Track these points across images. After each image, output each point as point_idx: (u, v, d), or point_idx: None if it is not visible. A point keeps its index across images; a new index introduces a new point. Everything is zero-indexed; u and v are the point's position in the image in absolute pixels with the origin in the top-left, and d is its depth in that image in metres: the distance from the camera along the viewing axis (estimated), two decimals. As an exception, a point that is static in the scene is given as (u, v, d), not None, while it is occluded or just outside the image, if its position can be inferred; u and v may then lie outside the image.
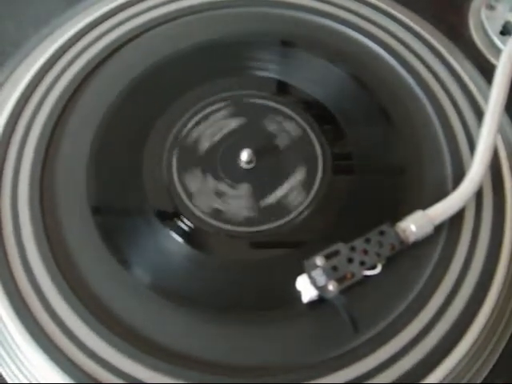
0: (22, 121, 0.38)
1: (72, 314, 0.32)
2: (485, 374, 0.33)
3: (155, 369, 0.30)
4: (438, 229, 0.34)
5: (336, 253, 0.32)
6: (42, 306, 0.32)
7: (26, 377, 0.31)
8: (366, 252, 0.32)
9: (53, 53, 0.41)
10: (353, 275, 0.31)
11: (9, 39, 0.43)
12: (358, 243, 0.32)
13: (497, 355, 0.33)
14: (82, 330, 0.31)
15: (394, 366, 0.31)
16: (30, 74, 0.40)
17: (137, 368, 0.30)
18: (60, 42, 0.41)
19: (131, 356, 0.31)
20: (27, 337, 0.31)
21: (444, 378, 0.31)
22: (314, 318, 0.32)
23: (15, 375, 0.31)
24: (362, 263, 0.32)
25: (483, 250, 0.34)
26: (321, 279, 0.31)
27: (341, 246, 0.32)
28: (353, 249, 0.32)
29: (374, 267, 0.32)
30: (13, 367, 0.31)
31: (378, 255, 0.32)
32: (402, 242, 0.33)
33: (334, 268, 0.31)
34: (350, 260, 0.32)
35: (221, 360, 0.31)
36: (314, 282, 0.31)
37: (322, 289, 0.31)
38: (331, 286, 0.31)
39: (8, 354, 0.31)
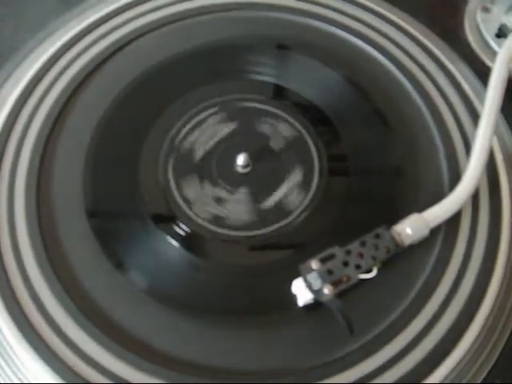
0: (18, 125, 0.38)
1: (66, 316, 0.32)
2: (483, 374, 0.32)
3: (150, 372, 0.30)
4: (435, 232, 0.34)
5: (331, 256, 0.32)
6: (37, 308, 0.32)
7: (17, 377, 0.31)
8: (361, 255, 0.32)
9: (49, 57, 0.41)
10: (348, 278, 0.31)
11: (6, 43, 0.43)
12: (354, 246, 0.32)
13: (495, 356, 0.33)
14: (76, 333, 0.31)
15: (392, 370, 0.31)
16: (26, 78, 0.40)
17: (131, 371, 0.30)
18: (56, 46, 0.41)
19: (125, 359, 0.31)
20: (20, 338, 0.31)
21: (443, 380, 0.31)
22: (310, 321, 0.32)
23: (7, 375, 0.31)
24: (358, 267, 0.32)
25: (480, 252, 0.34)
26: (316, 283, 0.31)
27: (336, 250, 0.32)
28: (348, 252, 0.32)
29: (369, 271, 0.32)
30: (5, 367, 0.31)
31: (374, 258, 0.32)
32: (397, 245, 0.33)
33: (330, 271, 0.31)
34: (346, 263, 0.32)
35: (216, 364, 0.31)
36: (309, 285, 0.31)
37: (317, 292, 0.31)
38: (326, 290, 0.31)
39: (1, 354, 0.31)
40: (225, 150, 0.38)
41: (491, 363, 0.33)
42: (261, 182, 0.37)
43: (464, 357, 0.31)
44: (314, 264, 0.32)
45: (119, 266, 0.34)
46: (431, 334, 0.32)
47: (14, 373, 0.31)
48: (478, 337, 0.32)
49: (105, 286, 0.33)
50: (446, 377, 0.31)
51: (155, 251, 0.35)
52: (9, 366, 0.31)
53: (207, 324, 0.32)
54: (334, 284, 0.31)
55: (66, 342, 0.31)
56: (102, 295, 0.33)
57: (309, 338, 0.32)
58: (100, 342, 0.31)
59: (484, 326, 0.32)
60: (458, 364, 0.31)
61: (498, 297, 0.33)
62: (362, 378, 0.31)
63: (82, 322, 0.31)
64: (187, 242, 0.35)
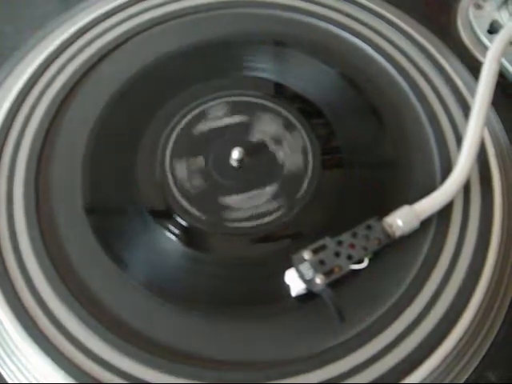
0: (16, 123, 0.39)
1: (69, 313, 0.32)
2: (474, 366, 0.33)
3: (151, 366, 0.31)
4: (427, 223, 0.35)
5: (323, 247, 0.32)
6: (39, 306, 0.32)
7: (25, 376, 0.31)
8: (352, 246, 0.33)
9: (48, 54, 0.41)
10: (340, 269, 0.32)
11: (7, 43, 0.44)
12: (345, 237, 0.33)
13: (485, 348, 0.33)
14: (80, 330, 0.32)
15: (383, 360, 0.31)
16: (25, 76, 0.40)
17: (134, 365, 0.31)
18: (55, 44, 0.42)
19: (128, 354, 0.31)
20: (26, 337, 0.31)
21: (434, 369, 0.31)
22: (303, 312, 0.33)
23: (15, 375, 0.32)
24: (349, 257, 0.32)
25: (471, 244, 0.35)
26: (308, 273, 0.31)
27: (328, 241, 0.33)
28: (340, 243, 0.33)
29: (361, 261, 0.32)
30: (12, 367, 0.32)
31: (365, 249, 0.33)
32: (388, 237, 0.33)
33: (322, 262, 0.32)
34: (337, 254, 0.32)
35: (212, 355, 0.32)
36: (301, 275, 0.31)
37: (309, 282, 0.31)
38: (318, 280, 0.31)
39: (7, 354, 0.32)
40: (220, 144, 0.38)
41: (482, 354, 0.33)
42: (255, 175, 0.37)
43: (454, 348, 0.32)
44: (306, 254, 0.32)
45: (119, 261, 0.34)
46: (422, 324, 0.32)
47: (22, 373, 0.32)
48: (468, 329, 0.32)
49: (106, 281, 0.34)
50: (437, 367, 0.31)
51: (153, 245, 0.35)
52: (16, 366, 0.32)
53: (202, 316, 0.33)
54: (326, 274, 0.32)
55: (69, 338, 0.31)
56: (102, 291, 0.33)
57: (300, 328, 0.32)
58: (102, 337, 0.31)
59: (474, 318, 0.33)
60: (447, 356, 0.32)
61: (488, 289, 0.33)
62: (351, 370, 0.31)
63: (83, 317, 0.32)
64: (184, 235, 0.35)
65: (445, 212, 0.35)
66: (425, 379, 0.31)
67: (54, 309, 0.32)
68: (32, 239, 0.34)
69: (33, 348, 0.31)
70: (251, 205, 0.36)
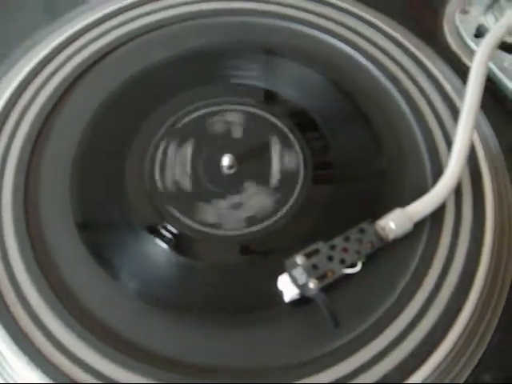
0: (4, 131, 0.38)
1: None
2: (468, 372, 0.32)
3: (141, 372, 0.30)
4: (420, 226, 0.35)
5: (316, 251, 0.32)
6: (27, 313, 0.32)
7: (3, 378, 0.31)
8: (345, 250, 0.32)
9: (36, 64, 0.41)
10: (333, 273, 0.32)
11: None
12: (338, 241, 0.33)
13: (479, 354, 0.33)
14: (68, 337, 0.31)
15: (378, 365, 0.31)
16: (12, 87, 0.40)
17: (126, 374, 0.31)
18: (43, 53, 0.42)
19: (121, 363, 0.31)
20: (11, 344, 0.31)
21: (427, 378, 0.31)
22: (297, 318, 0.32)
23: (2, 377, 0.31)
24: (342, 261, 0.32)
25: (464, 245, 0.35)
26: (301, 277, 0.31)
27: (320, 245, 0.32)
28: (332, 247, 0.32)
29: (354, 265, 0.32)
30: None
31: (358, 253, 0.32)
32: (381, 240, 0.33)
33: (315, 266, 0.32)
34: (330, 258, 0.32)
35: (205, 363, 0.31)
36: (294, 280, 0.31)
37: (302, 287, 0.31)
38: (312, 284, 0.31)
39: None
40: (210, 152, 0.38)
41: (476, 360, 0.33)
42: (246, 182, 0.37)
43: (450, 352, 0.32)
44: (299, 259, 0.32)
45: (111, 272, 0.34)
46: (416, 330, 0.32)
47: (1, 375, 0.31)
48: (463, 332, 0.32)
49: (96, 291, 0.33)
50: (432, 373, 0.31)
51: (145, 255, 0.35)
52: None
53: (195, 323, 0.32)
54: (319, 278, 0.31)
55: (58, 347, 0.31)
56: (92, 298, 0.33)
57: (295, 334, 0.32)
58: (95, 347, 0.31)
59: (469, 321, 0.32)
60: (442, 361, 0.31)
61: (483, 291, 0.33)
62: (346, 375, 0.31)
63: (73, 325, 0.32)
64: (175, 243, 0.35)
65: (437, 214, 0.35)
66: (420, 384, 0.31)
67: (43, 317, 0.32)
68: (22, 249, 0.34)
69: (17, 354, 0.31)
70: (242, 212, 0.36)
